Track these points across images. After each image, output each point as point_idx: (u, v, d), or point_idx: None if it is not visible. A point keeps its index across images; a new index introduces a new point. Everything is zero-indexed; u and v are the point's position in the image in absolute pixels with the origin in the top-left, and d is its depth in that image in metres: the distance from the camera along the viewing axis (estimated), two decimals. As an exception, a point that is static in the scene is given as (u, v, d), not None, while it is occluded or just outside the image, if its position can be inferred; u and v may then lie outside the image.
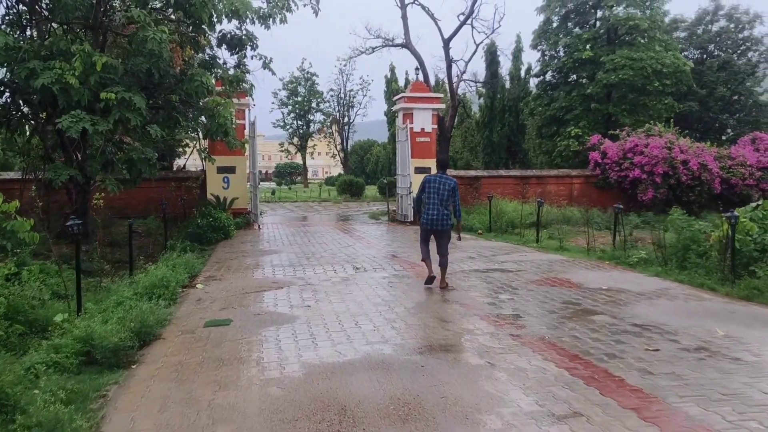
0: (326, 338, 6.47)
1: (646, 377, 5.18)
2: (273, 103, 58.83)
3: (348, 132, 58.31)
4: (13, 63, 11.11)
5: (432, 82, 29.92)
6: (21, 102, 13.26)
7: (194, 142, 19.91)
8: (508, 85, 34.37)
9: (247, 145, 21.32)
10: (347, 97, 56.86)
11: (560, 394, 4.80)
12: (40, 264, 9.25)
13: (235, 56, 15.32)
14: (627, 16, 26.17)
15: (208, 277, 10.18)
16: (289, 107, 58.68)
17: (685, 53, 31.87)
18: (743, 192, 21.98)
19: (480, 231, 18.09)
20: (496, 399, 4.72)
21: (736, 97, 33.82)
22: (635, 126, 24.86)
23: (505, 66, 34.70)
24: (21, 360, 5.39)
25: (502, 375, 5.28)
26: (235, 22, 13.84)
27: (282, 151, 63.40)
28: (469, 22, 26.37)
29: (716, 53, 34.42)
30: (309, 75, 58.20)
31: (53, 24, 13.68)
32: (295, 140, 60.29)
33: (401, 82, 38.37)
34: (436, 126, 22.49)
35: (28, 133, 14.84)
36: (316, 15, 14.54)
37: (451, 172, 23.52)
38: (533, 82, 33.15)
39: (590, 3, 27.90)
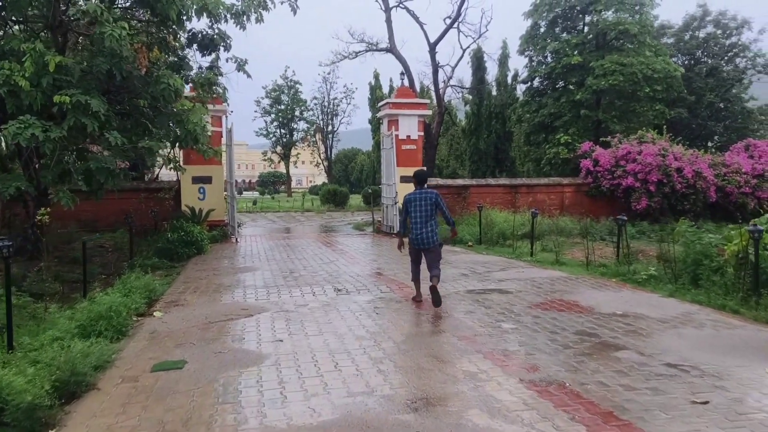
0: (298, 387, 5.21)
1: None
2: (256, 111, 57.62)
3: (332, 140, 57.21)
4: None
5: (417, 88, 28.77)
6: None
7: (166, 151, 18.61)
8: (494, 91, 33.36)
9: (224, 154, 20.11)
10: (331, 105, 55.86)
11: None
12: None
13: (209, 58, 14.16)
14: (617, 21, 25.25)
15: (170, 303, 8.87)
16: (272, 115, 57.41)
17: (674, 59, 31.02)
18: (738, 201, 21.08)
19: (470, 243, 16.93)
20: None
21: (722, 105, 33.05)
22: (626, 133, 23.88)
23: (491, 72, 33.76)
24: None
25: (520, 444, 4.07)
26: (207, 20, 12.63)
27: (265, 159, 62.00)
28: (455, 26, 25.36)
29: (704, 60, 33.67)
30: (292, 83, 57.09)
31: (9, 22, 12.43)
32: (279, 149, 58.97)
33: (386, 89, 37.31)
34: (422, 133, 21.34)
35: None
36: (294, 13, 13.32)
37: (438, 181, 22.42)
38: (520, 88, 32.17)
39: (578, 8, 26.94)
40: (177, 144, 12.90)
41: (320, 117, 57.43)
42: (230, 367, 5.80)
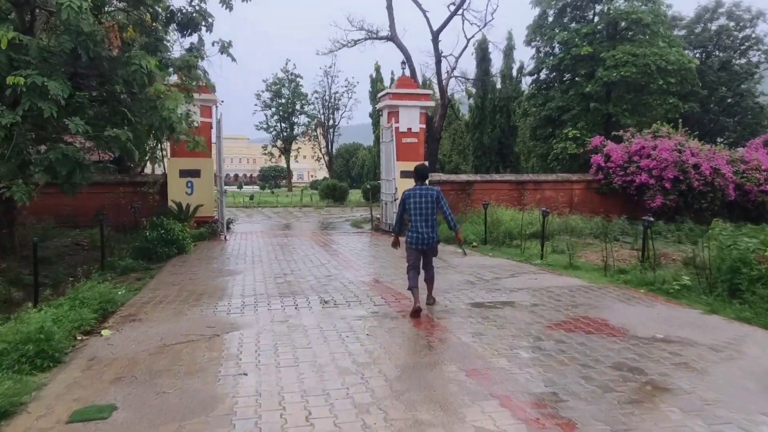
0: (253, 455, 3.79)
1: None
2: (256, 104, 56.12)
3: (333, 135, 55.71)
4: None
5: (419, 80, 27.24)
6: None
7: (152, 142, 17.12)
8: (499, 84, 31.83)
9: (214, 146, 18.70)
10: (332, 99, 54.29)
11: None
12: None
13: (194, 40, 12.74)
14: (629, 10, 23.71)
15: (127, 317, 7.45)
16: (273, 109, 55.88)
17: (686, 52, 29.52)
18: (758, 199, 19.60)
19: (475, 243, 15.49)
20: None
21: (731, 99, 31.51)
22: (638, 127, 22.38)
23: (496, 65, 32.23)
24: None
25: None
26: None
27: (265, 154, 60.49)
28: (460, 12, 23.80)
29: (715, 53, 32.14)
30: (293, 76, 55.51)
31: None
32: (279, 143, 57.47)
33: (387, 82, 35.85)
34: (424, 126, 19.88)
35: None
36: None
37: (441, 176, 20.94)
38: (526, 81, 30.71)
39: (589, -5, 25.42)
40: (152, 133, 11.41)
41: (321, 111, 55.92)
42: (170, 418, 4.37)
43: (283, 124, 56.62)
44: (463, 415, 4.36)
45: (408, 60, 23.05)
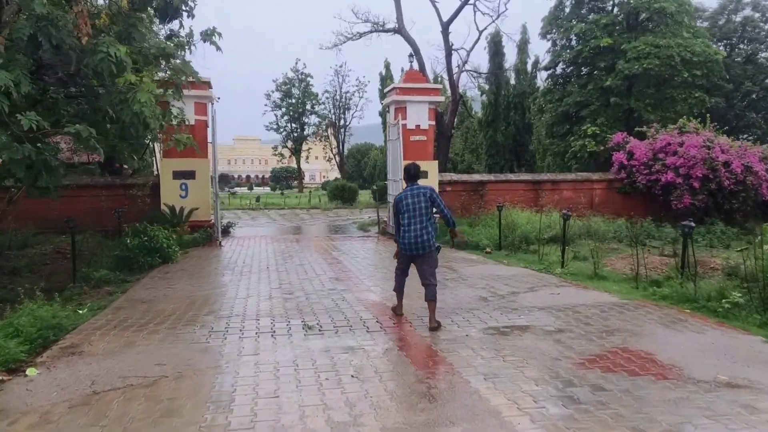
0: None
1: None
2: (266, 105, 54.92)
3: (344, 135, 54.37)
4: None
5: (430, 76, 25.75)
6: None
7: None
8: (513, 80, 30.27)
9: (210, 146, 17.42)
10: (343, 99, 52.93)
11: None
12: None
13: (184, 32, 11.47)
14: (651, -1, 22.07)
15: (67, 348, 6.12)
16: (283, 109, 54.64)
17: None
18: (792, 199, 18.01)
19: (488, 249, 14.07)
20: None
21: (756, 94, 29.75)
22: (662, 123, 20.79)
23: (510, 59, 30.61)
24: None
25: None
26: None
27: (275, 155, 59.25)
28: (471, 2, 22.26)
29: (740, 45, 30.40)
30: (303, 76, 54.23)
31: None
32: (289, 144, 56.22)
33: (396, 79, 34.33)
34: (433, 122, 18.47)
35: None
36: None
37: (452, 176, 19.50)
38: (541, 77, 29.15)
39: (608, -15, 23.84)
40: (122, 130, 10.09)
41: (332, 111, 54.56)
42: None
43: (293, 125, 55.38)
44: None
45: (416, 53, 21.59)
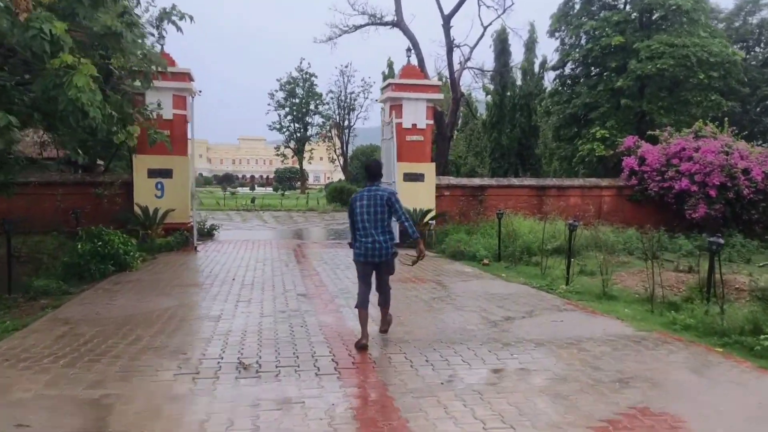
0: None
1: None
2: (269, 104, 53.62)
3: (348, 136, 52.95)
4: None
5: (432, 74, 24.26)
6: None
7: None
8: (519, 81, 28.76)
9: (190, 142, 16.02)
10: (348, 100, 51.51)
11: None
12: None
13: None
14: (667, -5, 20.55)
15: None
16: (287, 109, 53.33)
17: (726, 46, 26.31)
18: (820, 210, 16.41)
19: (486, 261, 12.61)
20: None
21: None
22: (676, 126, 19.26)
23: (516, 58, 29.11)
24: None
25: None
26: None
27: (278, 155, 57.93)
28: (475, -8, 20.77)
29: (757, 48, 28.82)
30: (308, 75, 52.89)
31: None
32: (292, 144, 54.87)
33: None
34: (432, 122, 17.02)
35: None
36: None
37: (449, 180, 17.99)
38: (549, 77, 27.63)
39: (620, -19, 22.34)
40: (54, 119, 8.68)
41: (336, 111, 53.15)
42: None
43: (296, 125, 54.06)
44: None
45: (415, 47, 20.08)
